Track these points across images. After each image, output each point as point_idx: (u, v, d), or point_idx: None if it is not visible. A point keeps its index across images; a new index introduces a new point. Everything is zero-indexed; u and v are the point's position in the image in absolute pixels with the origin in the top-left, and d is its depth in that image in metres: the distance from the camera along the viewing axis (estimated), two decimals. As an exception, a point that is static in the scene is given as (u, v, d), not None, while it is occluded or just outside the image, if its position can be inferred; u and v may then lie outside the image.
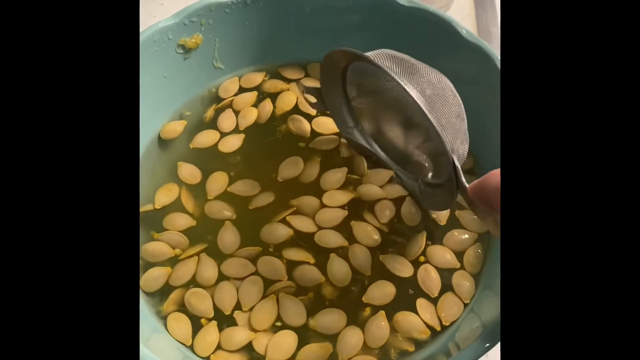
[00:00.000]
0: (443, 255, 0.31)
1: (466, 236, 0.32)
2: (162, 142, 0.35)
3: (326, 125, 0.36)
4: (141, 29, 0.32)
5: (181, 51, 0.34)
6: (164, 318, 0.29)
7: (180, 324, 0.29)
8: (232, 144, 0.35)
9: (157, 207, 0.32)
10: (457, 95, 0.27)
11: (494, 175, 0.21)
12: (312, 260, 0.30)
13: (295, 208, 0.32)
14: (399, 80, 0.25)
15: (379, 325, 0.29)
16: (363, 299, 0.29)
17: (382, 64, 0.26)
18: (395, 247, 0.31)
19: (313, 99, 0.34)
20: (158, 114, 0.35)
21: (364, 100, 0.33)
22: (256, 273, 0.30)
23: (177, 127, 0.36)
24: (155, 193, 0.33)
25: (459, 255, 0.31)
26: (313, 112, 0.36)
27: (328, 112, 0.34)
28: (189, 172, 0.34)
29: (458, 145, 0.26)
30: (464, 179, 0.25)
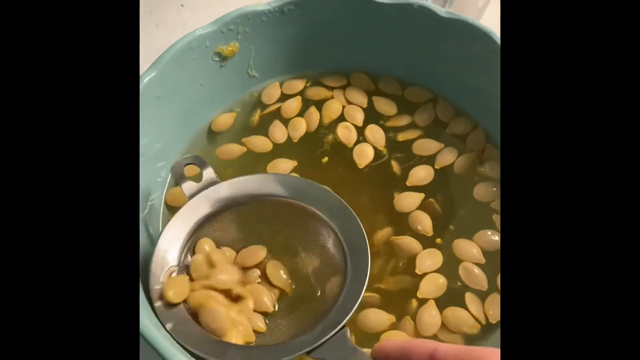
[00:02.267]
0: (469, 249, 0.31)
1: (496, 238, 0.32)
2: (212, 134, 0.36)
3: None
4: (172, 36, 0.32)
5: (217, 59, 0.34)
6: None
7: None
8: (283, 168, 0.35)
9: None
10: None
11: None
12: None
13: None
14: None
15: (431, 314, 0.29)
16: (418, 294, 0.30)
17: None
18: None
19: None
20: (193, 120, 0.36)
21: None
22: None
23: (227, 120, 0.36)
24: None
25: (492, 254, 0.31)
26: (359, 122, 0.36)
27: None
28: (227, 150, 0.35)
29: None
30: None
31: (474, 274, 0.30)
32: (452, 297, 0.30)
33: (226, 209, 0.29)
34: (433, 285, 0.30)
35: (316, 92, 0.38)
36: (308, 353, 0.24)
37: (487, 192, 0.34)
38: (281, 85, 0.38)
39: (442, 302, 0.30)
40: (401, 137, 0.36)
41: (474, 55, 0.34)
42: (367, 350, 0.23)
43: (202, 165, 0.30)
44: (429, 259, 0.31)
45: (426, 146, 0.35)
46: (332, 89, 0.38)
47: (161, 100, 0.32)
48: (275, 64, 0.37)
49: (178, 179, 0.29)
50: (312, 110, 0.37)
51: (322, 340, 0.24)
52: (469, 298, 0.30)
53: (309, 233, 0.29)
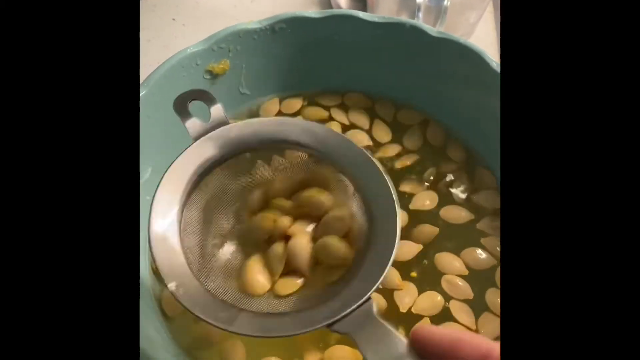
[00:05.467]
0: (450, 261, 0.31)
1: (484, 256, 0.32)
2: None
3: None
4: (164, 51, 0.32)
5: (208, 77, 0.34)
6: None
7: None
8: None
9: None
10: None
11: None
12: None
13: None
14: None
15: None
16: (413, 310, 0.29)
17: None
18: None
19: None
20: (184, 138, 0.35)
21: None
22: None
23: None
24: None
25: (479, 272, 0.31)
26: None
27: None
28: None
29: None
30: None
31: (458, 286, 0.31)
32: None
33: (236, 154, 0.26)
34: (428, 302, 0.30)
35: (313, 112, 0.37)
36: (329, 326, 0.20)
37: (458, 214, 0.34)
38: (280, 103, 0.38)
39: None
40: (398, 164, 0.36)
41: (466, 74, 0.34)
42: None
43: (209, 101, 0.25)
44: (407, 296, 0.30)
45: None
46: (328, 108, 0.38)
47: (152, 119, 0.31)
48: (267, 81, 0.37)
49: (181, 115, 0.25)
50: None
51: (343, 313, 0.20)
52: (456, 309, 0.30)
53: (329, 189, 0.26)
